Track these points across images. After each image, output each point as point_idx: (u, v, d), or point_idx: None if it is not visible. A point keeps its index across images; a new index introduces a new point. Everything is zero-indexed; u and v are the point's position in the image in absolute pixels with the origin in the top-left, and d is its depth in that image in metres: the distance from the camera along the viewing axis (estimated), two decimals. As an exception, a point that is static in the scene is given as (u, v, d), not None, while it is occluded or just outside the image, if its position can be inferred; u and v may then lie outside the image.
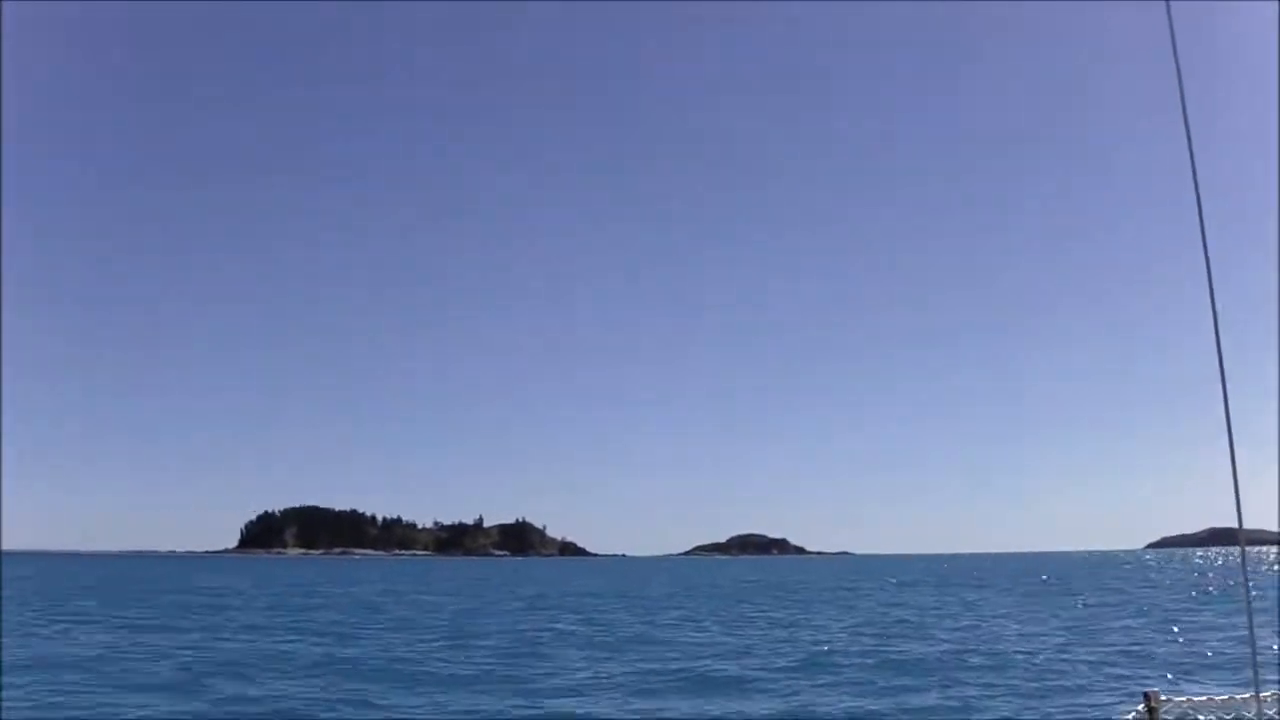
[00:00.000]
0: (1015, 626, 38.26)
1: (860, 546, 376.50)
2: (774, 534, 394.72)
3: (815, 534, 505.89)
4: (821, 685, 22.37)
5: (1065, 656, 27.76)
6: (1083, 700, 19.41)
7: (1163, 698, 5.35)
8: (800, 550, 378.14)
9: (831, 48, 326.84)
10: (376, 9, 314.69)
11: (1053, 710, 18.81)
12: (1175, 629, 36.23)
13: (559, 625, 40.41)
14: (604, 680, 23.24)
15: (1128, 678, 22.31)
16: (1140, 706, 5.33)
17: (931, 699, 20.40)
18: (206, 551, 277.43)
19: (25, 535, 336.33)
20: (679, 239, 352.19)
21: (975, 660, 26.38)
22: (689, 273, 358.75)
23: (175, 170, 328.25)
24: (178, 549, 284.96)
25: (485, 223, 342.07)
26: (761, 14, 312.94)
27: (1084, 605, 52.43)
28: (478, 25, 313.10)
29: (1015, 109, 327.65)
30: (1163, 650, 29.41)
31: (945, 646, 30.49)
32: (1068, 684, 21.96)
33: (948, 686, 21.79)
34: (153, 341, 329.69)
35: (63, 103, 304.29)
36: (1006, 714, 18.46)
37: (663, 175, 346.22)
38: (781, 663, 26.70)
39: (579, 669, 25.44)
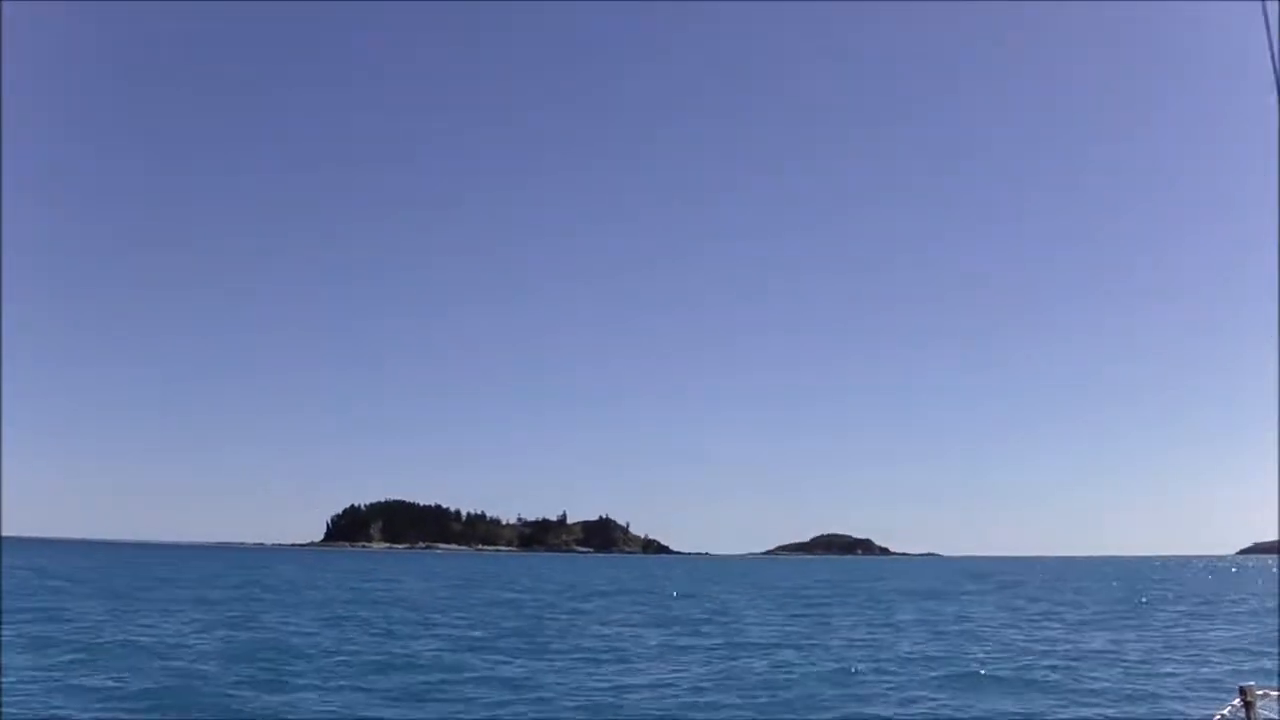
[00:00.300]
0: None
1: (948, 549, 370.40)
2: (858, 534, 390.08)
3: (901, 535, 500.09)
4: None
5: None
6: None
7: (1259, 692, 5.21)
8: (884, 551, 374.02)
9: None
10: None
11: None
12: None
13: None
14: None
15: None
16: (1236, 701, 5.15)
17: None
18: (293, 544, 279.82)
19: (114, 526, 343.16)
20: (765, 232, 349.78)
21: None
22: (777, 269, 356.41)
23: (233, 151, 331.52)
24: (265, 541, 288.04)
25: (550, 215, 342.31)
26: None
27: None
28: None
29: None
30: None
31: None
32: None
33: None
34: (244, 334, 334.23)
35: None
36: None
37: (724, 163, 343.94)
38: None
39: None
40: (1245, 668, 24.58)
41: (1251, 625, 40.49)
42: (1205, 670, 24.62)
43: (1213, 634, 36.09)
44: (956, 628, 38.20)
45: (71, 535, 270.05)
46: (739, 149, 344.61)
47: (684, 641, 31.77)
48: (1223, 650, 29.97)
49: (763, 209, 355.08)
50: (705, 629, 36.86)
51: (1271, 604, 54.71)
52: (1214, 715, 5.65)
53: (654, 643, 31.30)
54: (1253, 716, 5.55)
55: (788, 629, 37.18)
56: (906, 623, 40.64)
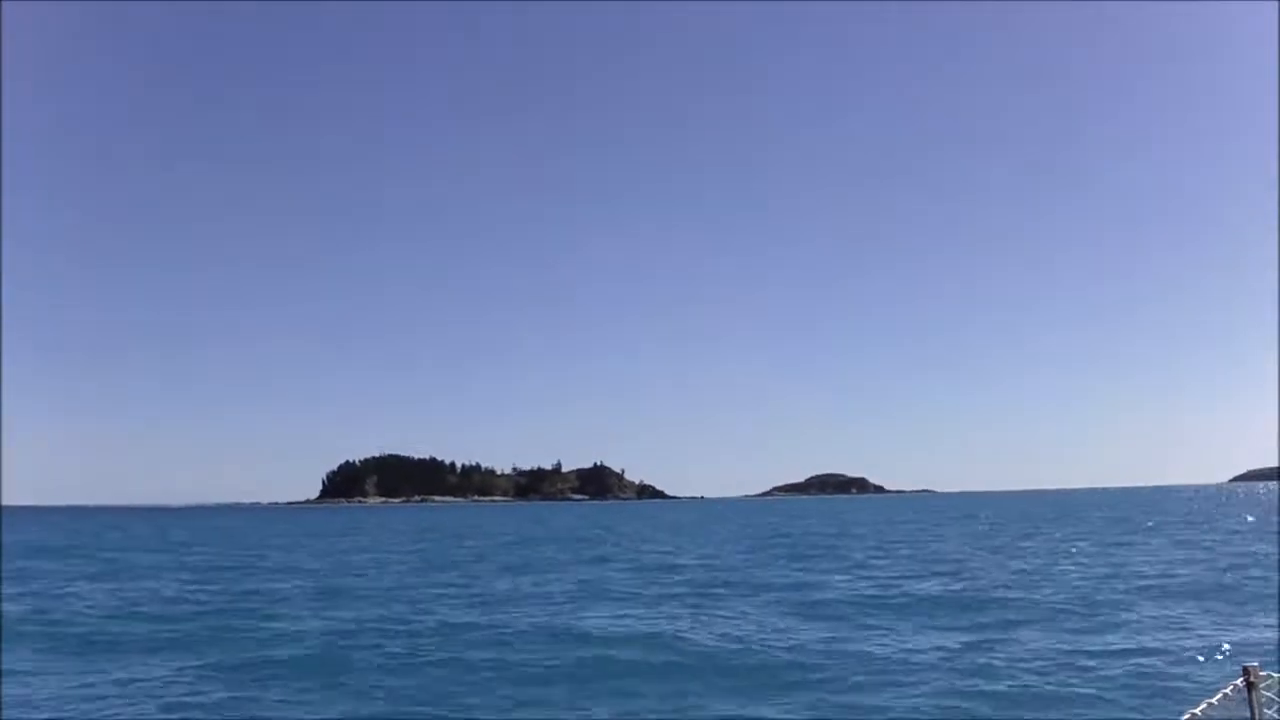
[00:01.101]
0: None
1: (943, 484, 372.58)
2: (853, 473, 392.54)
3: (896, 472, 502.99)
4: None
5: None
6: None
7: (1262, 673, 5.10)
8: (880, 489, 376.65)
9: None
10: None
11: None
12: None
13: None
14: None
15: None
16: (1239, 680, 5.08)
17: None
18: (289, 502, 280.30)
19: (106, 491, 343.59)
20: (752, 180, 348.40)
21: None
22: (765, 213, 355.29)
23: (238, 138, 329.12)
24: (261, 500, 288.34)
25: (546, 173, 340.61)
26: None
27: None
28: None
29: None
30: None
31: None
32: None
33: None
34: (227, 298, 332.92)
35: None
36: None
37: (727, 119, 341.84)
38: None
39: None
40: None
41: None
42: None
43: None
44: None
45: (61, 502, 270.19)
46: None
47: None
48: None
49: (745, 140, 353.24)
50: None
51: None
52: (1216, 694, 5.32)
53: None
54: (1255, 698, 5.28)
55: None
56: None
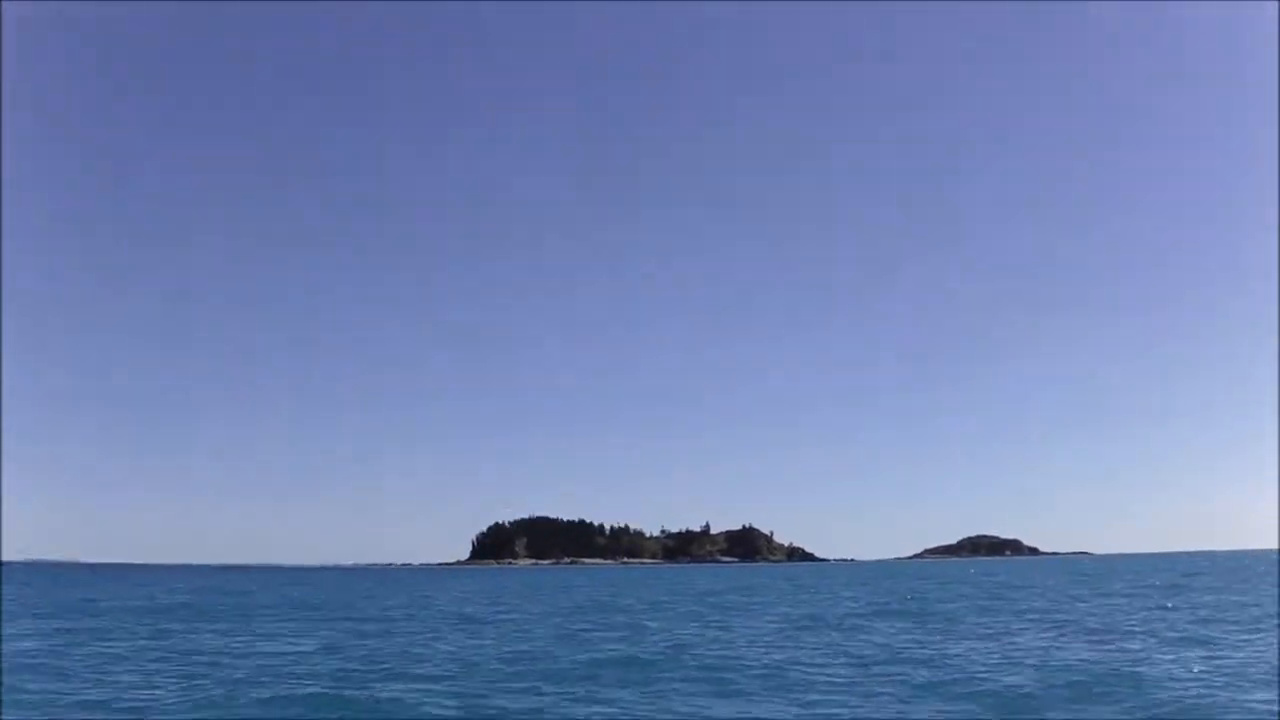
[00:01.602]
0: None
1: (1099, 546, 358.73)
2: (1006, 535, 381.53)
3: (1050, 534, 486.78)
4: None
5: None
6: None
7: None
8: (1034, 551, 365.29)
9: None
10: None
11: None
12: None
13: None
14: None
15: None
16: None
17: None
18: (440, 563, 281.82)
19: (247, 552, 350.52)
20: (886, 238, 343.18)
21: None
22: (904, 276, 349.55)
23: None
24: (412, 561, 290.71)
25: (684, 219, 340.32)
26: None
27: None
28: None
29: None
30: None
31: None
32: None
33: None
34: (386, 355, 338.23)
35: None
36: None
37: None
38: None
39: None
40: None
41: None
42: None
43: None
44: None
45: (215, 561, 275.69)
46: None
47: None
48: None
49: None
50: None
51: None
52: None
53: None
54: None
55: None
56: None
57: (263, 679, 21.27)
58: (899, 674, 21.73)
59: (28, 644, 29.79)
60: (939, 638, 30.44)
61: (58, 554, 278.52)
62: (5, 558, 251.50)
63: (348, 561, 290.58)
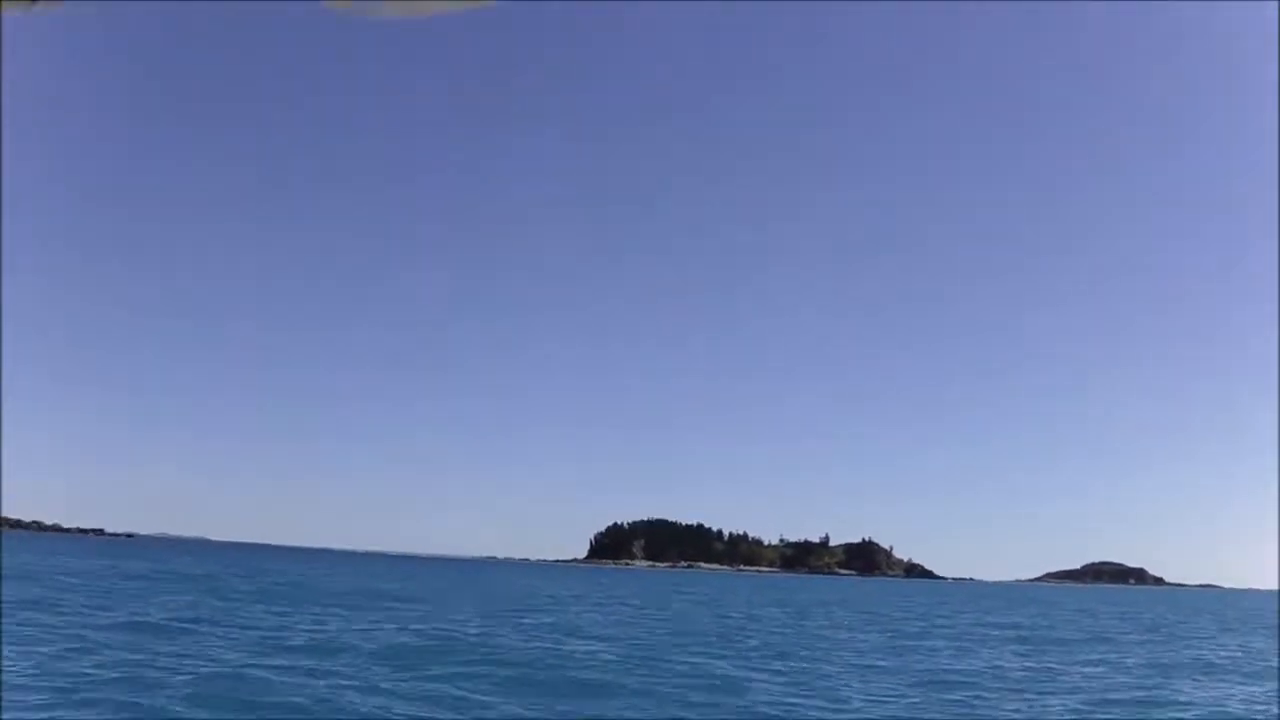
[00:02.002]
0: None
1: (1229, 580, 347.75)
2: (1132, 563, 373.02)
3: (1179, 564, 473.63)
4: None
5: None
6: None
7: None
8: (1159, 581, 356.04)
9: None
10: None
11: None
12: None
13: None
14: None
15: None
16: None
17: None
18: (556, 560, 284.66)
19: (361, 537, 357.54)
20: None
21: None
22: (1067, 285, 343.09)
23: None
24: (530, 557, 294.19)
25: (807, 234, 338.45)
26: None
27: None
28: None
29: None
30: None
31: None
32: None
33: None
34: (516, 355, 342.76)
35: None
36: None
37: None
38: None
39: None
40: None
41: None
42: None
43: None
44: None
45: (334, 546, 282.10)
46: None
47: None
48: None
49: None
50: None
51: None
52: None
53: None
54: None
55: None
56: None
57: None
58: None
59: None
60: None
61: (185, 530, 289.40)
62: (140, 530, 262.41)
63: (464, 553, 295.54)
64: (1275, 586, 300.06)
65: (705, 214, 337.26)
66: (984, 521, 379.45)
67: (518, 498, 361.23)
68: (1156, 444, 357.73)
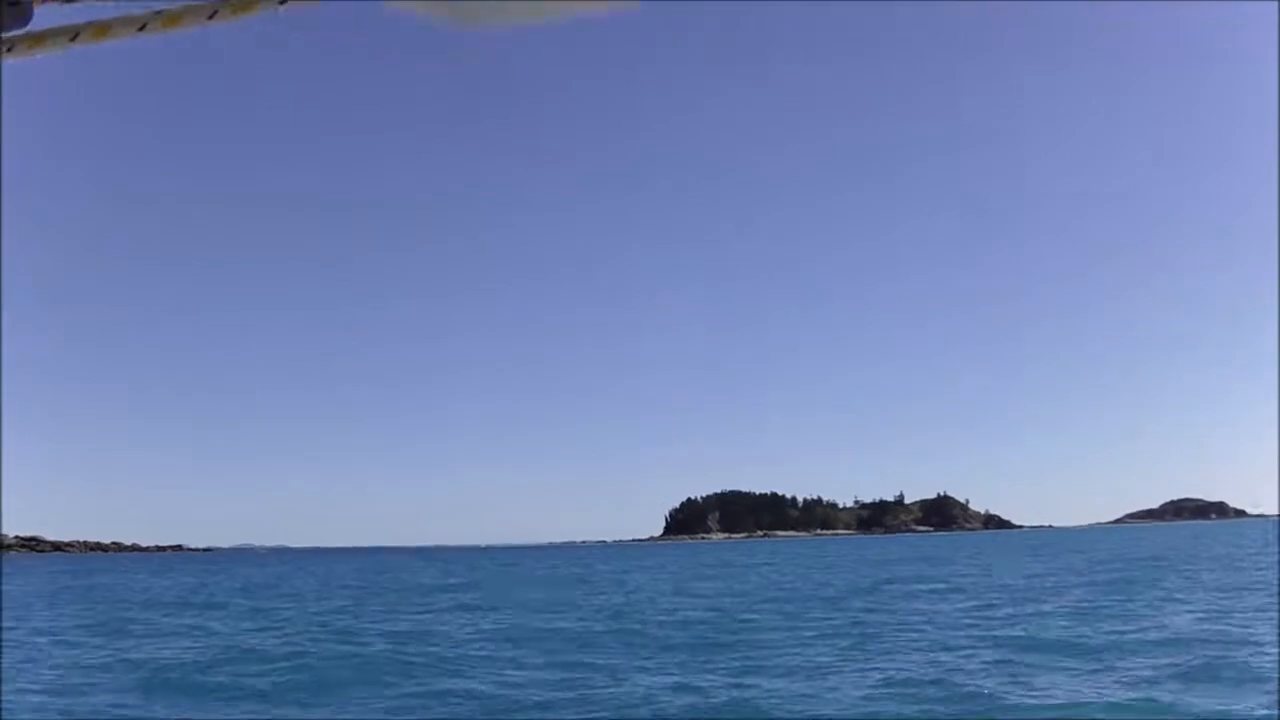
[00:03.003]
0: None
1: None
2: (1212, 497, 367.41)
3: (1262, 494, 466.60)
4: None
5: None
6: None
7: None
8: (1240, 513, 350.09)
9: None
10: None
11: None
12: None
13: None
14: None
15: None
16: None
17: None
18: (633, 540, 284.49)
19: (439, 532, 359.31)
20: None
21: None
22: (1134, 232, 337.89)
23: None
24: (607, 539, 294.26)
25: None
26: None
27: None
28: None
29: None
30: None
31: None
32: None
33: None
34: (581, 340, 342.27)
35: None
36: None
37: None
38: None
39: None
40: None
41: None
42: None
43: None
44: None
45: (395, 543, 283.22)
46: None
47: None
48: None
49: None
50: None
51: None
52: None
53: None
54: None
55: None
56: None
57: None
58: None
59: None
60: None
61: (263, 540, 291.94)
62: (220, 544, 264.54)
63: (538, 540, 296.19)
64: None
65: (772, 193, 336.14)
66: (1063, 467, 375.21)
67: (590, 482, 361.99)
68: (1236, 377, 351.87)
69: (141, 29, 1.37)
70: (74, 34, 1.41)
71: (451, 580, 63.61)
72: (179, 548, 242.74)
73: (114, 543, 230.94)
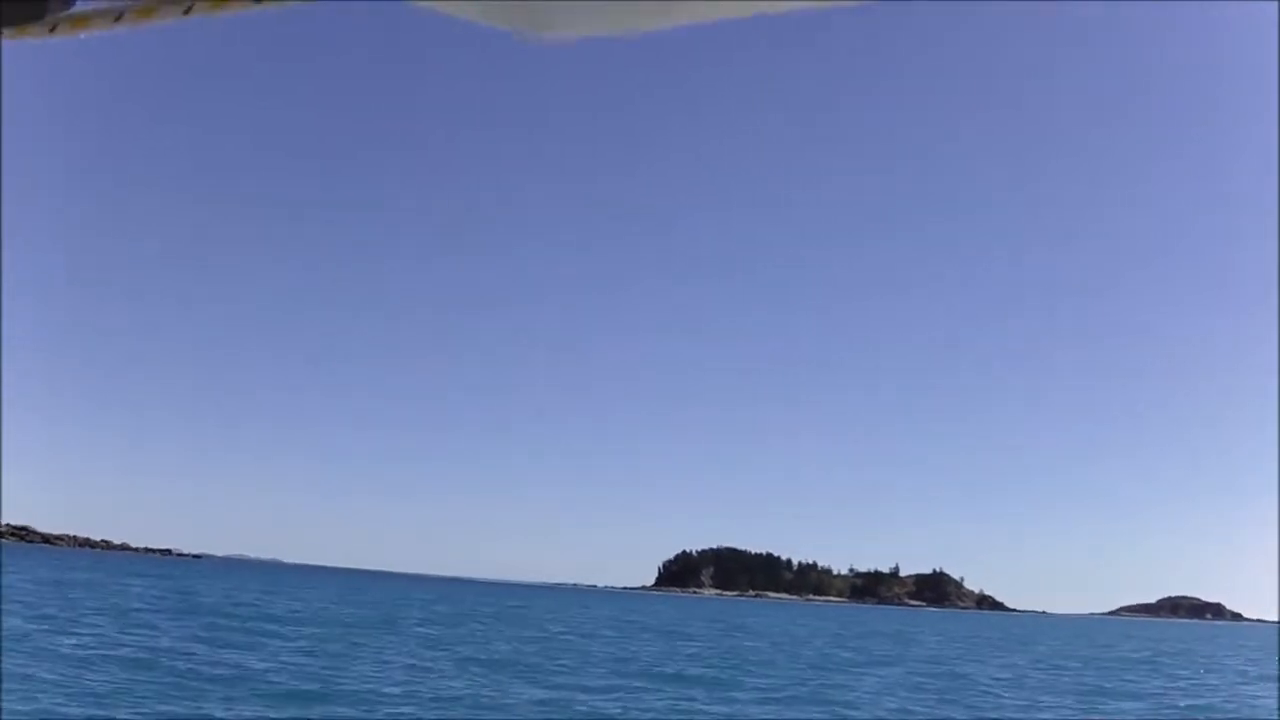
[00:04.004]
0: None
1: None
2: (1209, 597, 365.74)
3: (1256, 599, 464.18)
4: None
5: None
6: None
7: None
8: (1238, 616, 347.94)
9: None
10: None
11: None
12: None
13: None
14: None
15: None
16: None
17: None
18: (625, 588, 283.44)
19: (417, 561, 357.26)
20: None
21: None
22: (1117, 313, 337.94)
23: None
24: (598, 584, 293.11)
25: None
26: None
27: None
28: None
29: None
30: None
31: None
32: None
33: None
34: (572, 375, 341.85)
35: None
36: None
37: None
38: None
39: None
40: None
41: None
42: None
43: None
44: None
45: (379, 567, 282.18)
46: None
47: None
48: None
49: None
50: None
51: None
52: None
53: None
54: None
55: None
56: None
57: None
58: None
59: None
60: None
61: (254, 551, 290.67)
62: (213, 552, 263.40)
63: (528, 579, 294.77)
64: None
65: (768, 236, 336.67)
66: (1061, 553, 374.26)
67: (585, 525, 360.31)
68: (1239, 475, 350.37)
69: (187, 12, 1.40)
70: (118, 15, 1.43)
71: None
72: (169, 551, 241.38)
73: (104, 540, 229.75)
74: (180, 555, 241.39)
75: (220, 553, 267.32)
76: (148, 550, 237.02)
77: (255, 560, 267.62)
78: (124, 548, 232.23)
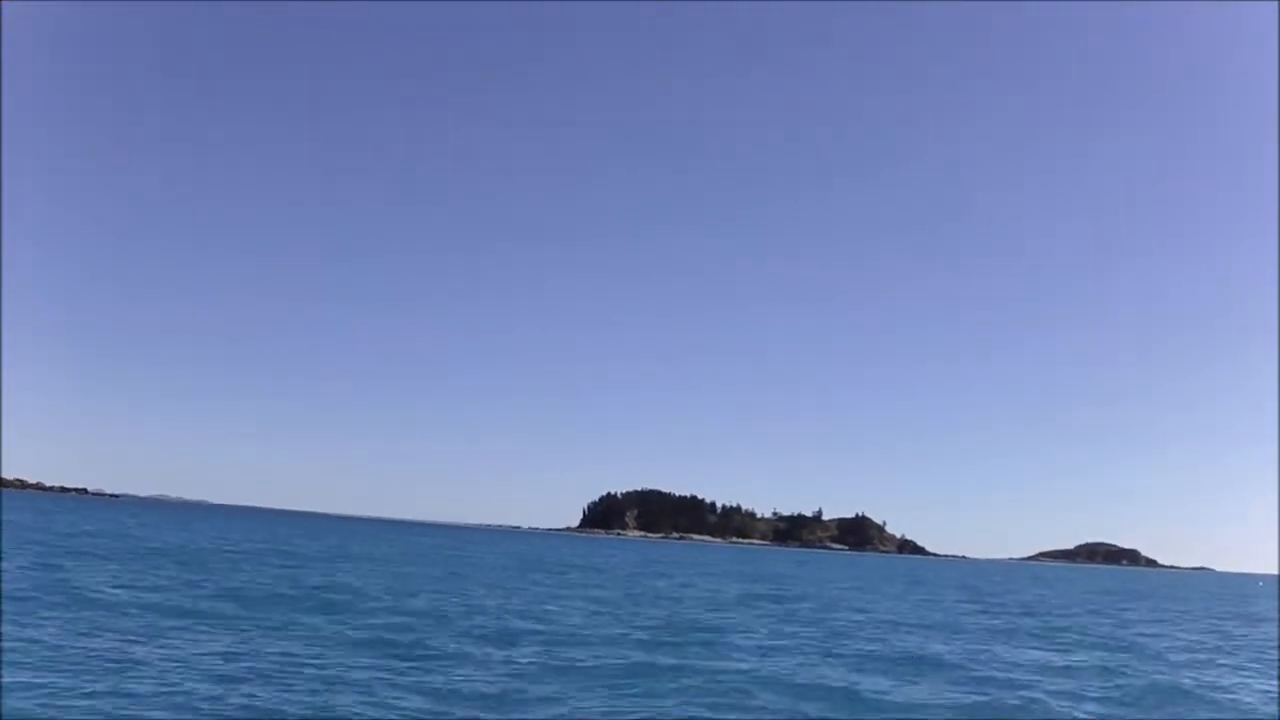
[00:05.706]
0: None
1: (1222, 563, 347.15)
2: (1125, 544, 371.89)
3: (1171, 547, 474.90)
4: None
5: None
6: None
7: None
8: (1152, 563, 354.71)
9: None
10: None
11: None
12: None
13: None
14: None
15: None
16: None
17: None
18: (549, 529, 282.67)
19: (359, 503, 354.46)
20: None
21: None
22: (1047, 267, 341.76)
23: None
24: (521, 525, 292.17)
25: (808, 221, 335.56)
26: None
27: None
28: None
29: None
30: None
31: None
32: None
33: None
34: (507, 321, 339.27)
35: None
36: None
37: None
38: None
39: None
40: None
41: None
42: None
43: None
44: None
45: (321, 510, 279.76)
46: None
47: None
48: None
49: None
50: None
51: None
52: None
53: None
54: None
55: None
56: None
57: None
58: None
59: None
60: None
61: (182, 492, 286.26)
62: (135, 492, 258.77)
63: (451, 520, 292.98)
64: (1275, 570, 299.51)
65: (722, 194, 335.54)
66: (981, 500, 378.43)
67: (509, 465, 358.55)
68: (1155, 427, 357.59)
69: None
70: None
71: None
72: (84, 490, 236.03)
73: (17, 479, 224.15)
74: (97, 495, 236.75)
75: (143, 493, 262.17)
76: (62, 489, 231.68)
77: (178, 500, 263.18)
78: (39, 486, 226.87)
